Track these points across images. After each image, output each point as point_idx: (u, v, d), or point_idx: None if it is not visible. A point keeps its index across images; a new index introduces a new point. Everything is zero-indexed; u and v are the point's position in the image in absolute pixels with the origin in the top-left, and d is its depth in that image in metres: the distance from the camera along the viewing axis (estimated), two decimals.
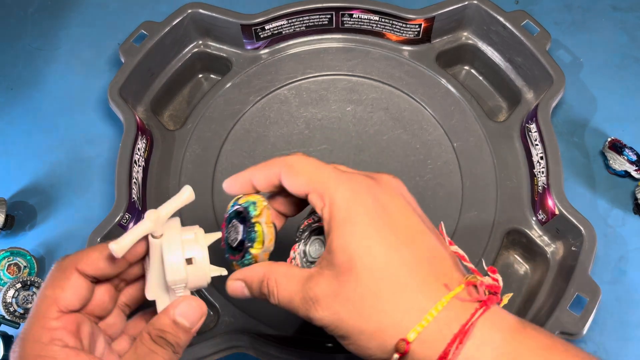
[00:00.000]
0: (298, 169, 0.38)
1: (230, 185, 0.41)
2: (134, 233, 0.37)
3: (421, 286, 0.33)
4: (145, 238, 0.38)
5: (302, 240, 0.41)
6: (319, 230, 0.41)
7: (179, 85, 0.68)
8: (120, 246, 0.36)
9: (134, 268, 0.40)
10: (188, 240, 0.38)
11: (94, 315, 0.39)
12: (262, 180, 0.40)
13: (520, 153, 0.62)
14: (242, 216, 0.40)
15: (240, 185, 0.41)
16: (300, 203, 0.42)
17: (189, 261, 0.38)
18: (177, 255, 0.37)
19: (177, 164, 0.62)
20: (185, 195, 0.39)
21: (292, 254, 0.41)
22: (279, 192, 0.42)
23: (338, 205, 0.35)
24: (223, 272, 0.40)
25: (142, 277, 0.41)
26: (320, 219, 0.40)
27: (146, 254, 0.39)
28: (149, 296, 0.38)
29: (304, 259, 0.41)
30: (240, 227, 0.40)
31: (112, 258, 0.37)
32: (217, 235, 0.40)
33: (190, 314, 0.37)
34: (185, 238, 0.38)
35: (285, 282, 0.37)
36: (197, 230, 0.40)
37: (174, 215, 0.39)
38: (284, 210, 0.42)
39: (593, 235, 0.54)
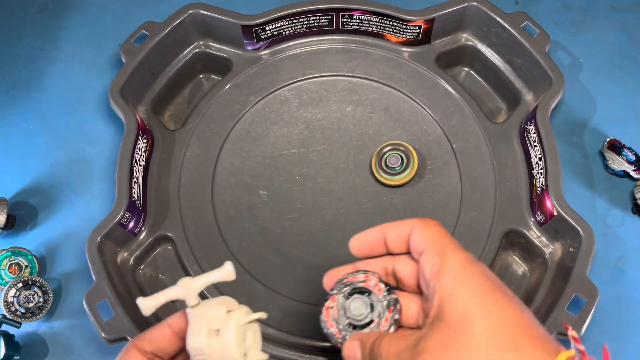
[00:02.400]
0: (431, 230, 0.39)
1: (360, 243, 0.42)
2: (164, 294, 0.38)
3: (537, 344, 0.33)
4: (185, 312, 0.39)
5: (343, 294, 0.41)
6: (361, 291, 0.41)
7: (179, 86, 0.68)
8: (148, 303, 0.37)
9: None
10: (219, 314, 0.37)
11: None
12: (397, 234, 0.40)
13: (519, 154, 0.62)
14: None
15: (372, 243, 0.41)
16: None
17: (216, 333, 0.37)
18: (201, 323, 0.37)
19: (178, 163, 0.63)
20: (225, 270, 0.38)
21: (329, 302, 0.41)
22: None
23: (450, 265, 0.37)
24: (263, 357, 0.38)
25: None
26: (364, 281, 0.40)
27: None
28: None
29: (342, 313, 0.40)
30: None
31: (163, 333, 0.39)
32: (259, 315, 0.39)
33: None
34: (215, 312, 0.37)
35: (396, 340, 0.37)
36: (238, 307, 0.38)
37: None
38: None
39: (591, 236, 0.55)
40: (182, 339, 0.38)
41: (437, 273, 0.37)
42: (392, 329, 0.39)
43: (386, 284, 0.40)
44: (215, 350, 0.36)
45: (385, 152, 0.61)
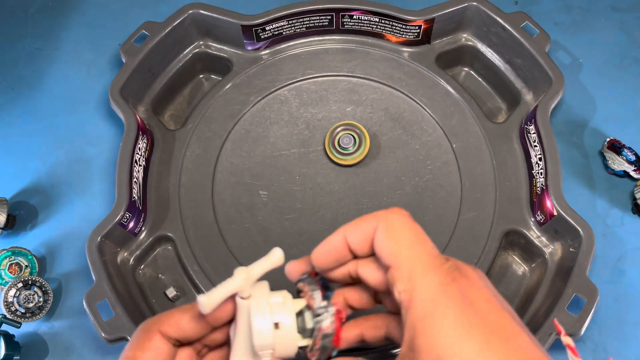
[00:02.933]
0: (397, 234, 0.35)
1: (323, 256, 0.37)
2: (224, 288, 0.35)
3: None
4: (233, 300, 0.37)
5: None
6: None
7: (179, 86, 0.68)
8: (210, 299, 0.35)
9: (217, 333, 0.38)
10: (276, 303, 0.36)
11: None
12: (359, 237, 0.36)
13: (519, 154, 0.62)
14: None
15: (335, 252, 0.37)
16: (375, 298, 0.39)
17: (276, 326, 0.36)
18: (265, 318, 0.35)
19: (178, 163, 0.63)
20: (276, 256, 0.38)
21: None
22: (355, 283, 0.38)
23: (422, 295, 0.32)
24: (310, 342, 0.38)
25: (225, 344, 0.39)
26: (302, 291, 0.38)
27: (231, 318, 0.37)
28: None
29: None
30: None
31: (194, 319, 0.36)
32: (304, 302, 0.38)
33: None
34: (273, 301, 0.36)
35: None
36: (285, 294, 0.37)
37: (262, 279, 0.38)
38: (357, 303, 0.38)
39: (591, 236, 0.55)
40: (213, 327, 0.37)
41: (406, 305, 0.33)
42: (322, 358, 0.37)
43: (325, 289, 0.37)
44: (280, 341, 0.36)
45: (338, 133, 0.62)
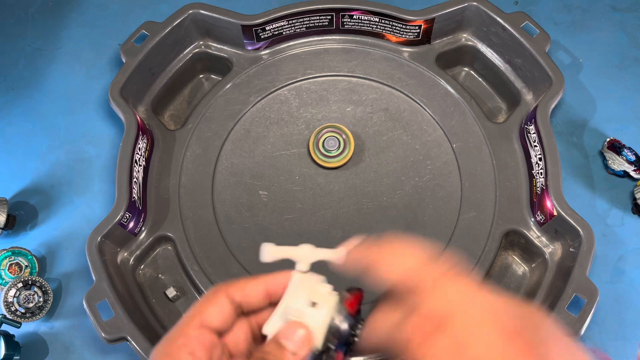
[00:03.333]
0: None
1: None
2: (287, 249, 0.38)
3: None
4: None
5: None
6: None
7: (179, 85, 0.68)
8: (273, 249, 0.38)
9: None
10: (323, 291, 0.37)
11: (228, 351, 0.38)
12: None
13: (519, 154, 0.62)
14: None
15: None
16: None
17: (313, 305, 0.37)
18: (304, 290, 0.37)
19: (178, 163, 0.63)
20: (339, 254, 0.39)
21: None
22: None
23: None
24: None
25: None
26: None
27: None
28: (265, 330, 0.37)
29: None
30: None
31: (257, 287, 0.38)
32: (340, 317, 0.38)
33: (294, 336, 0.36)
34: (321, 287, 0.38)
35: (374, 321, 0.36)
36: (334, 293, 0.38)
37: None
38: None
39: (591, 236, 0.55)
40: (269, 301, 0.38)
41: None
42: None
43: (354, 321, 0.38)
44: (310, 320, 0.36)
45: (323, 135, 0.62)
